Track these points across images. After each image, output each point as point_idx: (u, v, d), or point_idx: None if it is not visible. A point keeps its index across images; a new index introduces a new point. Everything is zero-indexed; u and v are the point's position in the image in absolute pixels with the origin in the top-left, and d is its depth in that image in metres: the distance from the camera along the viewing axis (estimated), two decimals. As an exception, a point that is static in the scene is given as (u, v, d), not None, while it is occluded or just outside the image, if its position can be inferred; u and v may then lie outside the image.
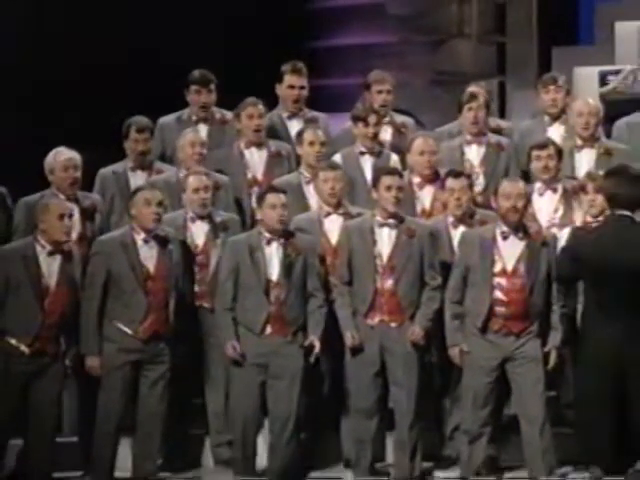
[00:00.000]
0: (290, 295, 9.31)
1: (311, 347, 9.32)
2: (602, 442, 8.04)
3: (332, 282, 9.48)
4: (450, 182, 9.61)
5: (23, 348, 9.10)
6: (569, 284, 8.89)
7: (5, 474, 9.39)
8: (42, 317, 9.11)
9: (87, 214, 9.88)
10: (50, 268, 9.18)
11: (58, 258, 9.19)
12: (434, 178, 10.02)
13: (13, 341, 9.11)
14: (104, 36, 13.76)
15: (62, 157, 9.96)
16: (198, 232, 9.76)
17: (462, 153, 10.45)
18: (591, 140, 10.33)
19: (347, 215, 9.66)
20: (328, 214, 9.70)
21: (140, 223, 9.25)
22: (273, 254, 9.33)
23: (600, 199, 9.25)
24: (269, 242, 9.30)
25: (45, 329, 9.12)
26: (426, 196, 10.05)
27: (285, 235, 9.33)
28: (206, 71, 10.92)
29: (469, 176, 9.78)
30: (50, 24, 13.88)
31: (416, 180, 10.00)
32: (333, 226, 9.69)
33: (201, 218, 9.80)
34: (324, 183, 9.69)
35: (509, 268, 9.11)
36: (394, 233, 9.29)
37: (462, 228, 9.53)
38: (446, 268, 9.36)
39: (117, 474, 9.33)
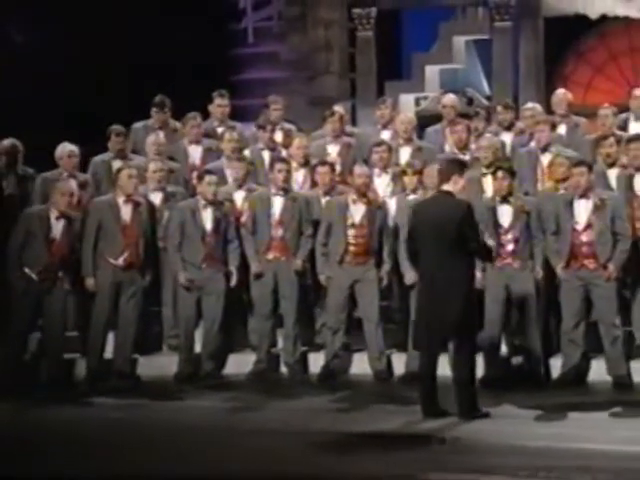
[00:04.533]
0: (218, 241, 9.34)
1: (231, 274, 9.33)
2: (423, 332, 7.77)
3: (242, 232, 9.46)
4: (319, 168, 9.72)
5: (34, 276, 9.08)
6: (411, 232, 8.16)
7: (28, 357, 9.35)
8: (48, 257, 9.11)
9: (81, 186, 9.75)
10: (57, 226, 9.16)
11: (63, 220, 9.16)
12: (306, 164, 10.05)
13: (27, 271, 9.09)
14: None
15: (67, 149, 10.00)
16: (156, 199, 9.66)
17: (325, 149, 10.44)
18: (409, 140, 10.34)
19: (249, 190, 9.68)
20: (239, 187, 9.72)
21: (123, 190, 9.25)
22: (207, 215, 9.34)
23: (414, 179, 9.30)
24: (205, 207, 9.34)
25: (49, 265, 9.11)
26: (300, 176, 10.03)
27: (215, 202, 9.36)
28: (164, 96, 10.77)
29: (331, 164, 9.86)
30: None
31: (295, 165, 9.96)
32: (240, 196, 9.70)
33: (158, 190, 9.71)
34: (235, 169, 9.78)
35: (357, 222, 9.19)
36: (282, 200, 9.38)
37: (327, 197, 9.54)
38: (316, 223, 9.40)
39: (106, 356, 9.31)
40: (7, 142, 10.17)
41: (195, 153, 10.58)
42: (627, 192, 9.09)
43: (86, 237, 9.25)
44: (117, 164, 10.11)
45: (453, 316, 7.65)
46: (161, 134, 10.63)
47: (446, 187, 7.85)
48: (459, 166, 8.00)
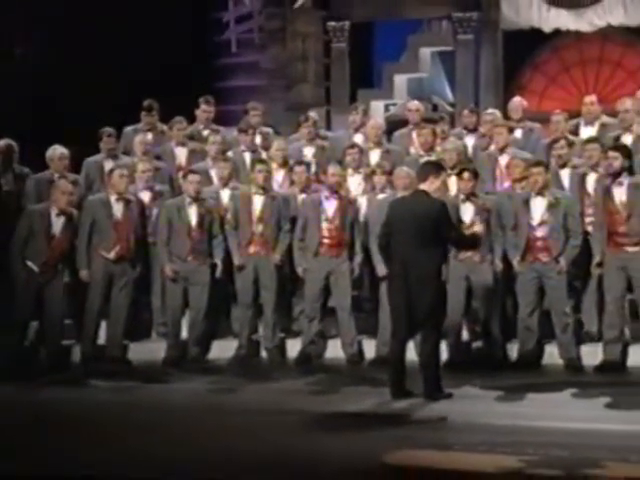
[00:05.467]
0: (202, 236, 9.31)
1: (216, 266, 9.34)
2: (400, 320, 7.75)
3: (226, 229, 9.44)
4: (296, 168, 9.77)
5: (36, 269, 9.08)
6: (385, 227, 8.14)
7: (28, 343, 9.31)
8: (49, 252, 9.10)
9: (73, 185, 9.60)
10: (57, 223, 9.14)
11: (62, 217, 9.15)
12: (285, 165, 10.07)
13: (29, 264, 9.09)
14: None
15: (57, 152, 9.90)
16: (145, 197, 9.64)
17: (301, 151, 10.45)
18: (378, 143, 10.35)
19: (234, 188, 9.64)
20: (225, 186, 9.70)
21: (115, 189, 9.25)
22: (192, 211, 9.32)
23: (383, 180, 9.35)
24: (190, 204, 9.33)
25: (49, 259, 9.10)
26: (280, 176, 10.04)
27: (199, 200, 9.36)
28: (152, 100, 10.75)
29: (307, 164, 9.92)
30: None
31: (274, 166, 9.97)
32: (225, 194, 9.69)
33: (146, 188, 9.69)
34: (219, 169, 9.81)
35: (330, 216, 9.20)
36: (262, 198, 9.37)
37: (303, 195, 9.57)
38: (293, 219, 9.40)
39: (99, 342, 9.32)
40: (3, 142, 10.06)
41: (181, 154, 10.55)
42: (580, 191, 9.12)
43: (80, 232, 9.23)
44: (108, 164, 10.10)
45: (425, 307, 7.67)
46: (149, 135, 10.60)
47: (422, 186, 7.85)
48: (435, 168, 8.01)
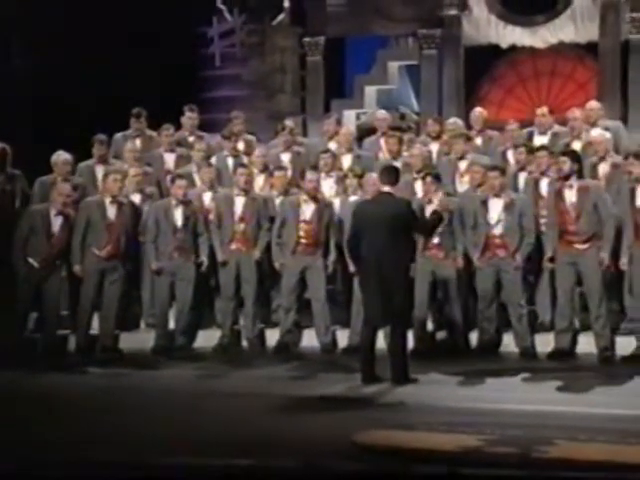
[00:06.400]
0: (187, 235, 9.28)
1: (202, 262, 9.30)
2: (375, 309, 7.78)
3: (211, 228, 9.40)
4: (275, 172, 9.74)
5: (35, 264, 9.06)
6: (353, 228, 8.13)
7: (28, 332, 9.28)
8: (48, 249, 9.08)
9: (74, 189, 9.49)
10: (56, 222, 9.12)
11: (61, 217, 9.13)
12: (265, 170, 10.06)
13: (30, 260, 9.07)
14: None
15: (61, 157, 9.87)
16: (135, 199, 9.61)
17: (279, 157, 10.43)
18: (350, 149, 10.39)
19: (216, 191, 9.63)
20: (208, 189, 9.67)
21: (109, 192, 9.22)
22: (178, 213, 9.28)
23: (354, 182, 9.36)
24: (176, 206, 9.29)
25: (48, 255, 9.08)
26: (260, 180, 10.03)
27: (185, 202, 9.33)
28: (140, 108, 10.71)
29: (285, 169, 9.92)
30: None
31: (255, 171, 9.98)
32: (208, 196, 9.67)
33: (137, 191, 9.68)
34: (203, 173, 9.78)
35: (307, 219, 9.20)
36: (244, 199, 9.36)
37: (282, 197, 9.50)
38: (272, 219, 9.36)
39: (92, 332, 9.27)
40: None
41: (169, 159, 10.53)
42: (534, 193, 9.17)
43: (76, 231, 9.19)
44: (99, 168, 10.06)
45: (396, 301, 7.71)
46: (137, 141, 10.58)
47: (386, 188, 7.92)
48: (395, 172, 8.09)
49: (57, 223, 9.17)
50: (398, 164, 9.46)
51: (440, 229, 8.55)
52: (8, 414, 6.82)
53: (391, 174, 8.03)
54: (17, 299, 9.11)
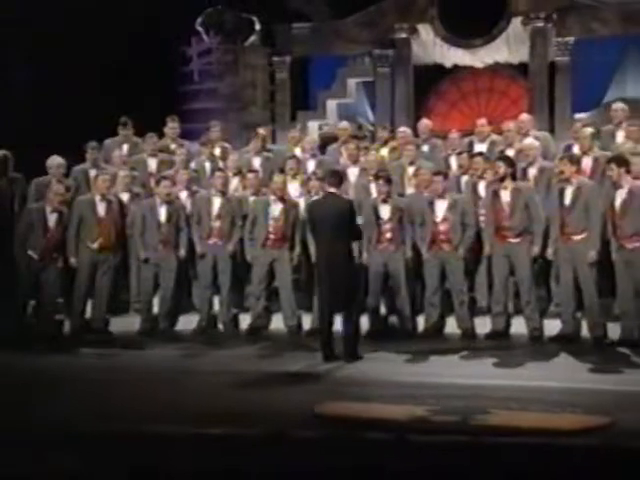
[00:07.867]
0: (170, 230, 9.19)
1: (181, 255, 9.19)
2: (326, 299, 7.76)
3: (192, 224, 9.28)
4: (248, 175, 9.68)
5: (35, 256, 8.99)
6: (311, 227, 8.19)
7: (27, 318, 9.19)
8: (44, 243, 9.01)
9: (66, 189, 9.48)
10: (51, 219, 9.04)
11: (55, 214, 9.05)
12: (239, 173, 10.00)
13: (30, 252, 9.02)
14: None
15: (56, 161, 9.80)
16: (124, 197, 9.57)
17: (250, 161, 10.40)
18: (314, 155, 10.39)
19: (193, 192, 9.59)
20: (186, 189, 9.61)
21: (99, 191, 9.17)
22: (162, 210, 9.21)
23: (317, 185, 9.20)
24: (160, 204, 9.22)
25: (46, 248, 9.01)
26: (234, 182, 9.96)
27: (169, 201, 9.26)
28: (127, 117, 10.69)
29: (257, 172, 9.86)
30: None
31: (230, 174, 9.86)
32: (183, 196, 9.58)
33: (126, 190, 9.64)
34: (180, 175, 9.68)
35: (276, 216, 9.08)
36: (220, 200, 9.29)
37: (254, 197, 9.42)
38: (244, 217, 9.20)
39: (86, 316, 9.20)
40: (0, 153, 9.84)
41: (152, 163, 10.49)
42: (473, 194, 9.20)
43: (70, 226, 9.13)
44: (92, 171, 10.01)
45: (345, 289, 7.74)
46: (125, 147, 10.56)
47: (332, 190, 7.97)
48: (339, 176, 8.16)
49: (52, 219, 9.07)
50: (357, 168, 9.48)
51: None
52: (8, 391, 6.77)
53: (336, 177, 8.05)
54: (18, 288, 9.04)
